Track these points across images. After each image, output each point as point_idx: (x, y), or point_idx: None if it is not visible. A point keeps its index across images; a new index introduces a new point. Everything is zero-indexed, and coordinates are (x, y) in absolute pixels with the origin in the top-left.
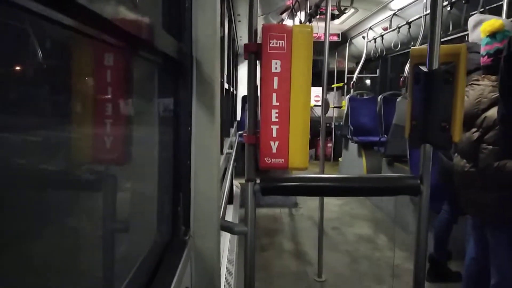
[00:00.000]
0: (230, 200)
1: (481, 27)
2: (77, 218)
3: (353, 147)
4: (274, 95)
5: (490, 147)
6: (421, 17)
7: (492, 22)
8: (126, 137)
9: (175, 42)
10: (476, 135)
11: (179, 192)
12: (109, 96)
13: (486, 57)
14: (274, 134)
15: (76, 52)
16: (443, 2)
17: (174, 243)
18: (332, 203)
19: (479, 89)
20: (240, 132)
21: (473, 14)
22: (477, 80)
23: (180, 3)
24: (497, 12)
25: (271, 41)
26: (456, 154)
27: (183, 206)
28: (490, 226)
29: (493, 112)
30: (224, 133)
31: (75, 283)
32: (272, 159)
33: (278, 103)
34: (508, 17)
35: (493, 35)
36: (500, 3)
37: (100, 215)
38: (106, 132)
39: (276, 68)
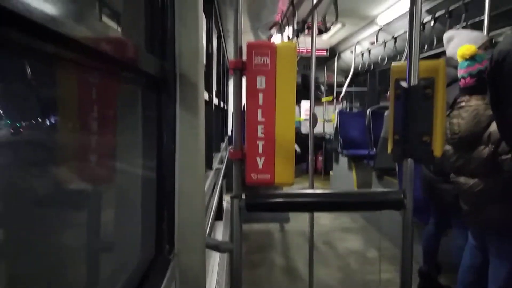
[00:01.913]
0: (219, 217)
1: (459, 52)
2: (60, 237)
3: (343, 160)
4: (260, 111)
5: (510, 155)
6: (405, 32)
7: (468, 47)
8: (109, 156)
9: (157, 60)
10: (486, 151)
11: (163, 209)
12: (92, 118)
13: (468, 78)
14: (260, 150)
15: (59, 77)
16: (420, 19)
17: (158, 261)
18: (323, 216)
19: (472, 110)
20: (230, 147)
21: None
22: (464, 101)
23: (162, 20)
24: (479, 26)
25: (255, 57)
26: (453, 175)
27: (167, 224)
28: (501, 237)
29: (495, 126)
30: (214, 148)
31: None
32: (259, 175)
33: (263, 119)
34: (489, 31)
35: (472, 58)
36: (482, 18)
37: (83, 234)
38: (90, 151)
39: (261, 84)
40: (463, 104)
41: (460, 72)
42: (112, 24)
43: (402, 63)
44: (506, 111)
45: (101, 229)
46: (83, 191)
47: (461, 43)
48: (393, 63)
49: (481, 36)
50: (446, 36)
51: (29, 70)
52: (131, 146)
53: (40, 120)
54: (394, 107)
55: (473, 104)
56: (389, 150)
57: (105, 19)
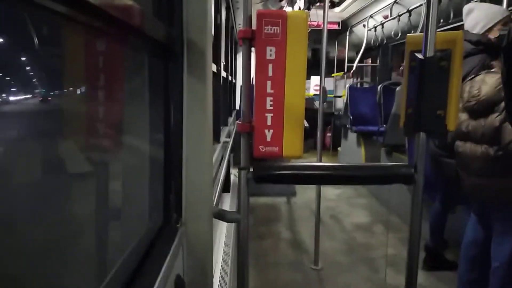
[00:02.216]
0: (227, 189)
1: None
2: (68, 205)
3: (352, 137)
4: (269, 82)
5: None
6: (421, 5)
7: None
8: (117, 123)
9: (164, 26)
10: (499, 119)
11: (170, 179)
12: (99, 84)
13: None
14: (269, 122)
15: (63, 37)
16: None
17: (165, 230)
18: (329, 192)
19: (498, 77)
20: (238, 121)
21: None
22: (493, 69)
23: None
24: (497, 1)
25: (265, 27)
26: (462, 142)
27: (174, 193)
28: (501, 211)
29: None
30: (222, 122)
31: (64, 267)
32: (267, 148)
33: (272, 91)
34: (508, 6)
35: None
36: None
37: (91, 202)
38: (97, 118)
39: (270, 55)
40: (492, 70)
41: None
42: None
43: (418, 34)
44: None
45: (109, 197)
46: (90, 159)
47: (480, 17)
48: (409, 35)
49: (502, 11)
50: (466, 8)
51: (36, 31)
52: (138, 114)
53: (48, 87)
54: (408, 80)
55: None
56: (401, 124)
57: None
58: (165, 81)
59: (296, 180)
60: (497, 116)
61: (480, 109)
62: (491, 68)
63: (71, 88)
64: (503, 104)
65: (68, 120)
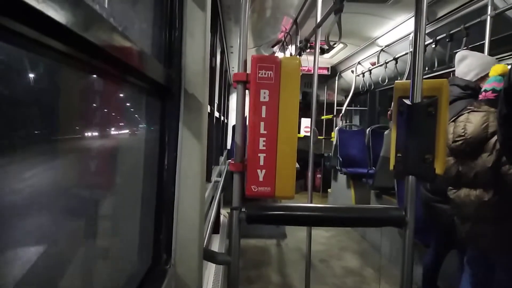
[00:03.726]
0: (216, 230)
1: (494, 67)
2: (55, 242)
3: (342, 178)
4: (262, 123)
5: None
6: (407, 53)
7: (503, 66)
8: (111, 161)
9: (164, 68)
10: (491, 159)
11: (161, 218)
12: (96, 120)
13: (490, 92)
14: (261, 162)
15: (63, 76)
16: (424, 39)
17: (154, 271)
18: (320, 235)
19: (483, 115)
20: (229, 160)
21: (456, 52)
22: (474, 107)
23: (169, 30)
24: (479, 50)
25: (260, 71)
26: (452, 188)
27: (165, 233)
28: (503, 259)
29: None
30: (214, 161)
31: None
32: (259, 187)
33: (265, 132)
34: (490, 55)
35: (504, 75)
36: (482, 42)
37: (79, 240)
38: (92, 155)
39: (264, 98)
40: (473, 108)
41: (485, 86)
42: (121, 29)
43: (405, 81)
44: None
45: (98, 236)
46: (82, 196)
47: (474, 65)
48: (396, 82)
49: (493, 61)
50: (459, 55)
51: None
52: (134, 152)
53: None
54: (397, 125)
55: (485, 110)
56: (391, 167)
57: (115, 23)
58: (162, 120)
59: (288, 221)
60: (488, 156)
61: (467, 149)
62: (471, 107)
63: (70, 122)
64: (492, 142)
65: (63, 154)
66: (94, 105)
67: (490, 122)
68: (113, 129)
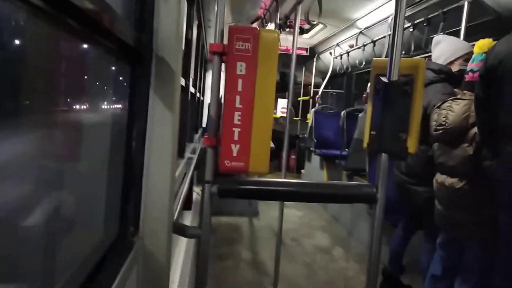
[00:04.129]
0: (188, 207)
1: (479, 43)
2: (18, 213)
3: (315, 159)
4: (238, 97)
5: (492, 162)
6: (385, 36)
7: (490, 41)
8: (76, 127)
9: (134, 31)
10: (470, 149)
11: (129, 189)
12: (61, 83)
13: (477, 73)
14: (236, 137)
15: (27, 30)
16: (405, 15)
17: (120, 243)
18: (292, 214)
19: (465, 104)
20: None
21: (433, 37)
22: (458, 95)
23: None
24: (455, 36)
25: (237, 42)
26: (439, 173)
27: (133, 205)
28: (477, 245)
29: None
30: (188, 138)
31: (7, 281)
32: (232, 162)
33: (241, 106)
34: (465, 40)
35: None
36: (458, 28)
37: (42, 210)
38: (56, 123)
39: (241, 71)
40: (458, 97)
41: (472, 65)
42: None
43: (383, 59)
44: (496, 117)
45: (62, 206)
46: (46, 166)
47: (444, 49)
48: (374, 59)
49: (466, 47)
50: (435, 39)
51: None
52: (99, 116)
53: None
54: (373, 103)
55: (467, 99)
56: (365, 145)
57: None
58: (131, 86)
59: (260, 196)
60: (467, 146)
61: (447, 138)
62: (455, 95)
63: (32, 83)
64: (472, 132)
65: (26, 122)
66: (59, 66)
67: (471, 112)
68: (79, 93)
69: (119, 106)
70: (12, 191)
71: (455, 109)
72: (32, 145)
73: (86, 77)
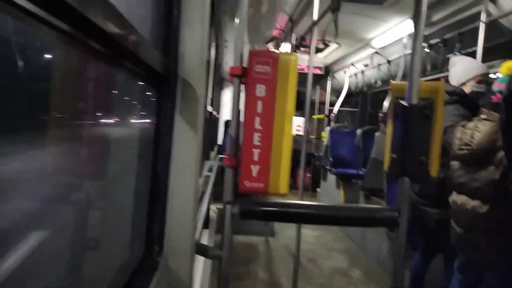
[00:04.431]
0: (205, 225)
1: (507, 63)
2: (46, 233)
3: (331, 178)
4: (257, 118)
5: None
6: (400, 56)
7: None
8: (104, 148)
9: (161, 56)
10: (497, 172)
11: (154, 210)
12: (90, 105)
13: (499, 93)
14: (256, 158)
15: (58, 55)
16: (422, 40)
17: (145, 263)
18: (308, 234)
19: (493, 125)
20: (220, 155)
21: (449, 57)
22: (485, 114)
23: (168, 19)
24: (472, 57)
25: (257, 65)
26: (456, 193)
27: (157, 225)
28: (492, 268)
29: None
30: (205, 156)
31: None
32: (252, 183)
33: (261, 127)
34: (482, 62)
35: None
36: (474, 48)
37: (71, 231)
38: (84, 143)
39: (260, 93)
40: (483, 116)
41: (499, 86)
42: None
43: (401, 82)
44: None
45: (89, 226)
46: (73, 186)
47: (457, 71)
48: (393, 82)
49: (479, 68)
50: (451, 60)
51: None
52: (128, 141)
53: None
54: (393, 126)
55: (495, 119)
56: (385, 168)
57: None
58: (158, 109)
59: (282, 218)
60: (495, 169)
61: (472, 158)
62: (468, 117)
63: (60, 110)
64: (499, 155)
65: (54, 142)
66: (89, 89)
67: (499, 134)
68: (107, 115)
69: (146, 128)
70: (43, 209)
71: (482, 130)
72: (65, 164)
73: (116, 101)
